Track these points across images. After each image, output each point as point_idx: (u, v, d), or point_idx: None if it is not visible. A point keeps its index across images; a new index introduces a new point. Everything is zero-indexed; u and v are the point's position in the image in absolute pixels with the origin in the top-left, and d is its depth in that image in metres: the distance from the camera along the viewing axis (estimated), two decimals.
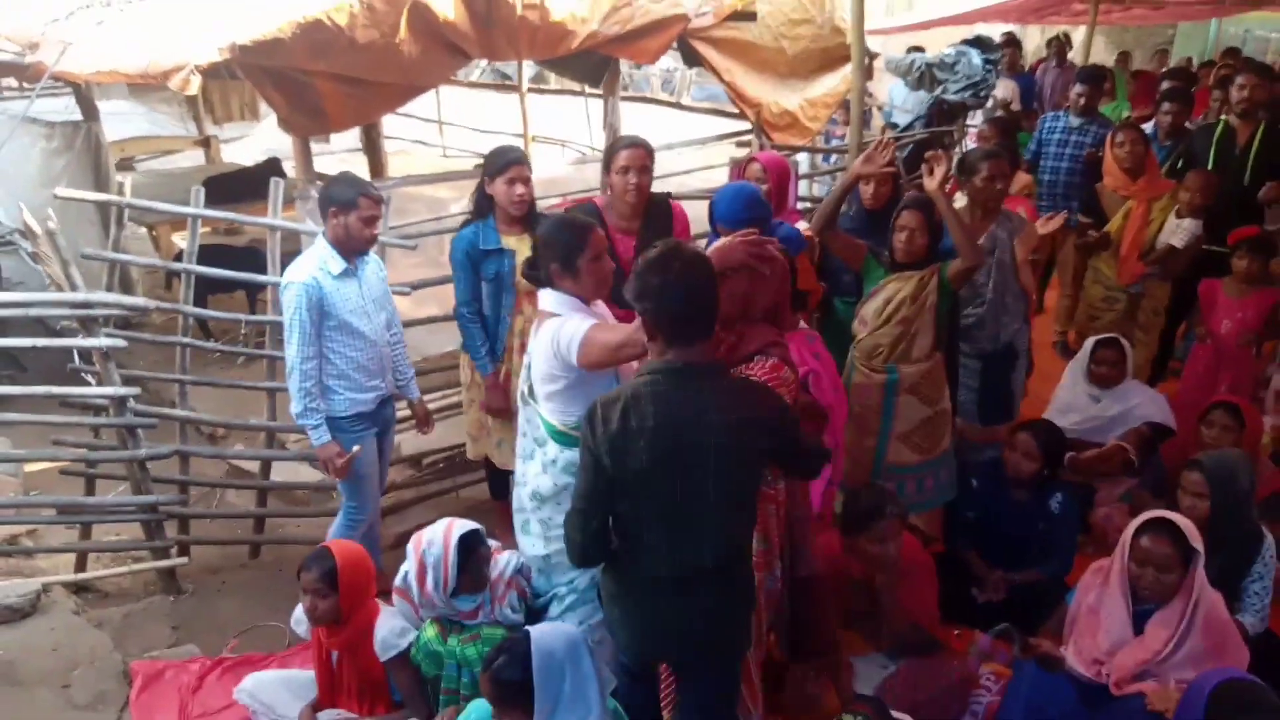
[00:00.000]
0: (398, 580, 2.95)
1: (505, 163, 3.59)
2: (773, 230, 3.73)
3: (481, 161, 3.79)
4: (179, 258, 4.18)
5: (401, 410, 4.04)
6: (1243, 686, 2.41)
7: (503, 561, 3.08)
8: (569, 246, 2.75)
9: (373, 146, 7.30)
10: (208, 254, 4.37)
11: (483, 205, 3.68)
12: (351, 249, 3.38)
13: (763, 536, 2.72)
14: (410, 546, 2.96)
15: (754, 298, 2.65)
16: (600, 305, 2.90)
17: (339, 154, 9.11)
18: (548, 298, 2.79)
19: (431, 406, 4.67)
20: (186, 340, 4.11)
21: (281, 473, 4.65)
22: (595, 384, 2.71)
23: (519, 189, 3.59)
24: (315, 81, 4.10)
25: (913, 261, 3.58)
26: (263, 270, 4.27)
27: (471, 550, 2.91)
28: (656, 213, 3.70)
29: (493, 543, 3.08)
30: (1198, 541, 2.74)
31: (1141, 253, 4.96)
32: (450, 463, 4.88)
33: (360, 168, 7.99)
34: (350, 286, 3.41)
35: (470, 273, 3.67)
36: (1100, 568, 2.99)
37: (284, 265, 4.21)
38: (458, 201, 5.22)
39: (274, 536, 4.55)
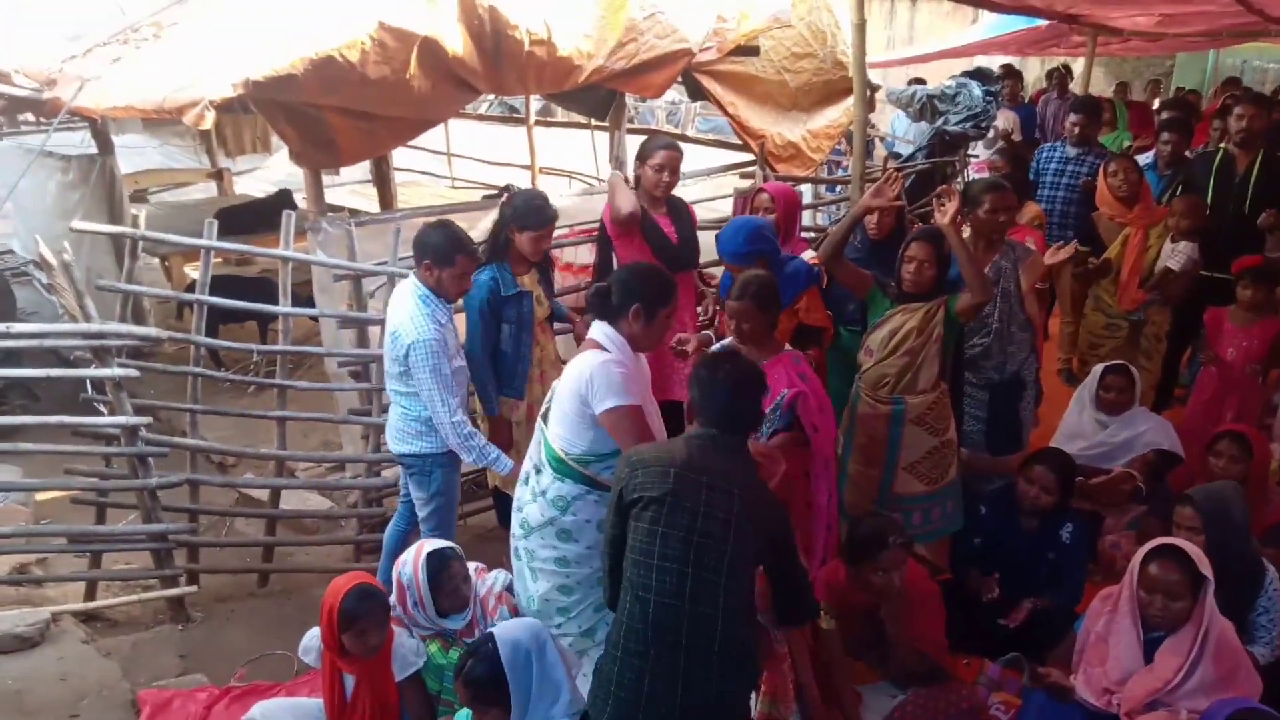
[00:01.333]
0: (402, 640, 2.97)
1: (544, 221, 3.68)
2: (781, 263, 3.76)
3: (492, 193, 3.83)
4: (191, 288, 4.22)
5: None
6: (1258, 717, 2.37)
7: (490, 579, 3.15)
8: (659, 297, 2.79)
9: (382, 178, 7.30)
10: (219, 284, 4.40)
11: (500, 249, 3.73)
12: (445, 297, 3.39)
13: (771, 700, 2.76)
14: (394, 571, 3.05)
15: None
16: (643, 358, 2.92)
17: (350, 185, 9.17)
18: (600, 331, 2.80)
19: None
20: (198, 370, 4.12)
21: (291, 501, 4.65)
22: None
23: (546, 244, 3.74)
24: (327, 115, 4.15)
25: (920, 293, 3.58)
26: (273, 301, 4.30)
27: (440, 568, 2.97)
28: (677, 205, 4.23)
29: (474, 564, 3.14)
30: (1207, 568, 2.71)
31: (1141, 279, 4.96)
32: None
33: (370, 200, 8.06)
34: (450, 332, 3.41)
35: (490, 320, 3.68)
36: (1109, 595, 2.96)
37: (295, 296, 4.26)
38: (467, 232, 5.24)
39: (283, 565, 4.54)
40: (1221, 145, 5.68)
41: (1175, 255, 4.84)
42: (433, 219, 3.46)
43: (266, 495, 4.54)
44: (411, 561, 3.00)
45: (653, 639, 2.34)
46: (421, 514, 3.59)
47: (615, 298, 2.77)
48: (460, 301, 3.63)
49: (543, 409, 2.95)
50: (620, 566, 2.45)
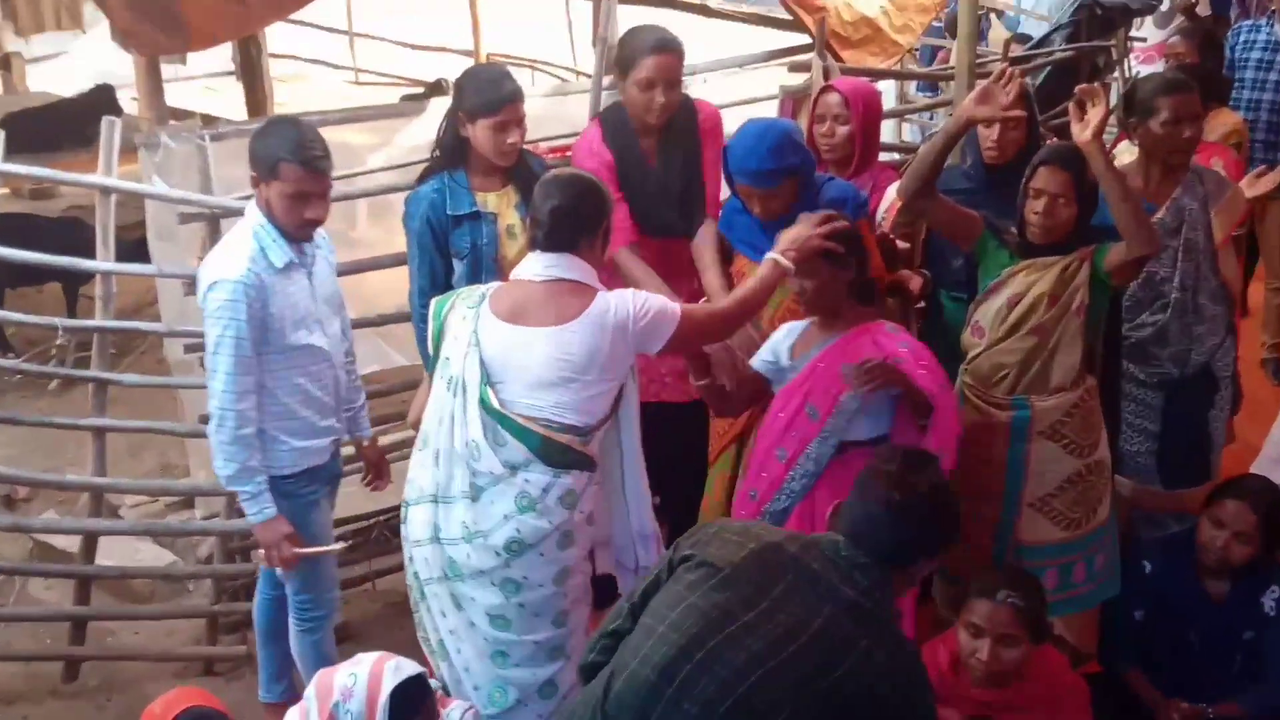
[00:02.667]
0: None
1: (495, 100, 3.65)
2: (816, 186, 3.78)
3: (416, 91, 3.84)
4: None
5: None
6: None
7: (453, 712, 3.09)
8: (602, 212, 3.17)
9: (252, 70, 7.33)
10: (6, 227, 4.38)
11: (454, 152, 3.76)
12: (285, 229, 3.41)
13: None
14: (314, 692, 2.91)
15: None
16: None
17: (202, 80, 9.16)
18: (565, 265, 3.09)
19: None
20: None
21: (113, 554, 4.64)
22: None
23: (512, 136, 3.69)
24: None
25: (1053, 242, 3.58)
26: (87, 252, 4.27)
27: (413, 710, 2.87)
28: (682, 125, 4.05)
29: (435, 682, 3.09)
30: None
31: None
32: (365, 538, 4.87)
33: (234, 100, 8.05)
34: (298, 285, 3.44)
35: (433, 247, 3.73)
36: None
37: (121, 246, 4.24)
38: (376, 150, 5.23)
39: (101, 650, 4.53)
40: None
41: None
42: (290, 118, 3.50)
43: (76, 544, 4.51)
44: (364, 697, 2.84)
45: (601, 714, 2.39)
46: (280, 572, 3.63)
47: (568, 226, 3.11)
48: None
49: (472, 391, 3.07)
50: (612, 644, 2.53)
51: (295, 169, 3.31)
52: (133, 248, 4.81)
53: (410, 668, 2.91)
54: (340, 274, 4.47)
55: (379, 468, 4.03)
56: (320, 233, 3.60)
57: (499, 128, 3.65)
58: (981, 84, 3.59)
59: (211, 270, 3.35)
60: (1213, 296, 4.18)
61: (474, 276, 3.73)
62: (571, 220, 3.10)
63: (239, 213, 4.24)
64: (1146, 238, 3.44)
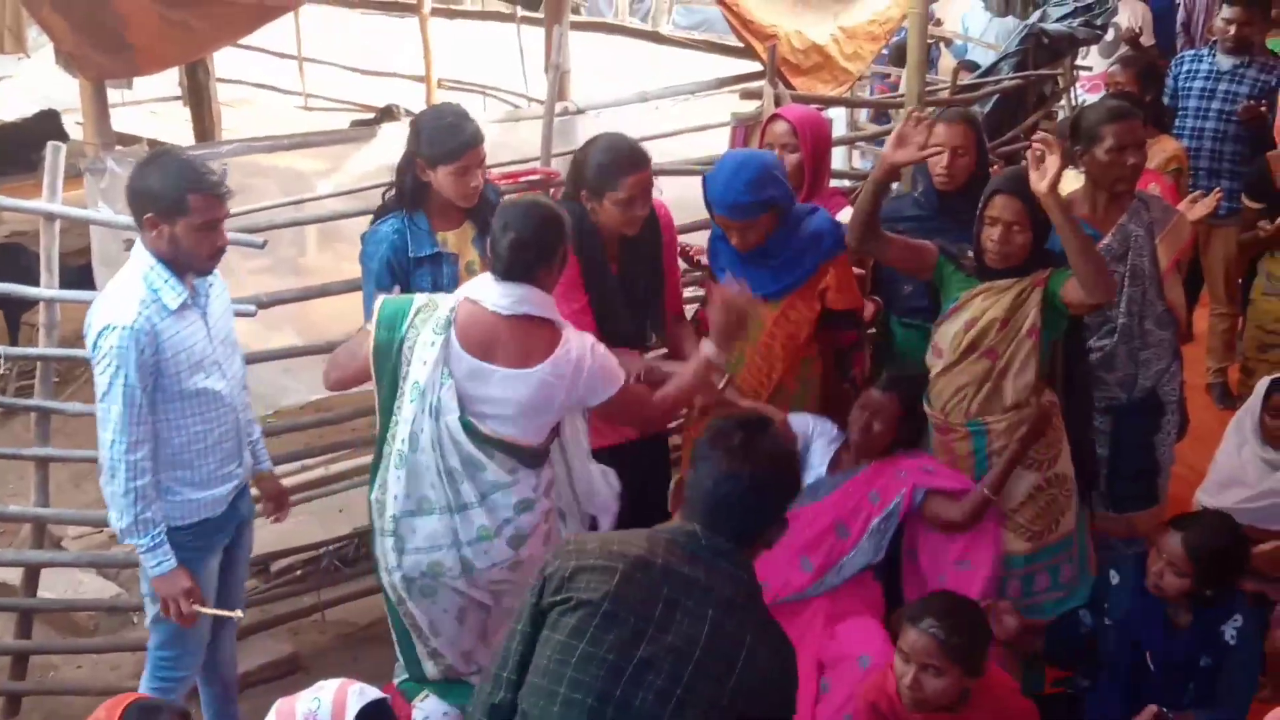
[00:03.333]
0: None
1: (456, 148, 3.66)
2: (797, 218, 3.80)
3: (367, 117, 3.84)
4: None
5: None
6: None
7: None
8: (560, 241, 3.28)
9: (199, 95, 7.31)
10: None
11: (414, 194, 3.76)
12: (188, 268, 3.31)
13: None
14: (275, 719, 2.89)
15: None
16: None
17: (148, 104, 9.10)
18: (523, 298, 3.21)
19: (287, 484, 4.65)
20: None
21: (54, 585, 4.59)
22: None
23: (474, 180, 3.72)
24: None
25: (1010, 267, 3.65)
26: (30, 279, 4.24)
27: None
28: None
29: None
30: None
31: None
32: (315, 568, 4.84)
33: (181, 125, 8.00)
34: (193, 326, 3.33)
35: (392, 286, 3.69)
36: None
37: (65, 272, 4.20)
38: (325, 176, 5.21)
39: (43, 684, 4.50)
40: None
41: None
42: (166, 150, 3.39)
43: (18, 577, 4.46)
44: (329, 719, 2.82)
45: None
46: (147, 617, 3.52)
47: (532, 255, 3.21)
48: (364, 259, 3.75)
49: (446, 419, 3.24)
50: (498, 713, 2.49)
51: (203, 199, 3.20)
52: (77, 274, 4.76)
53: (373, 692, 2.89)
54: (289, 301, 4.49)
55: (278, 500, 3.91)
56: (214, 273, 3.49)
57: (461, 172, 3.68)
58: (899, 129, 3.64)
59: (101, 316, 3.20)
60: (1159, 322, 4.25)
61: None
62: (532, 252, 3.20)
63: None
64: (1105, 288, 3.55)
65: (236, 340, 3.63)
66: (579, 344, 3.27)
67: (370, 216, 3.98)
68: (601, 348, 3.33)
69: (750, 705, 2.38)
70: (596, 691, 2.32)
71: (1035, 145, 3.46)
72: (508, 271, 3.20)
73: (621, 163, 3.74)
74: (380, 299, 3.40)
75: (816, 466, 3.85)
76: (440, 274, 3.76)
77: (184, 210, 3.18)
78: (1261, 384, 4.48)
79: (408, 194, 3.77)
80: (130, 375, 3.16)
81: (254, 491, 3.83)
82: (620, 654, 2.34)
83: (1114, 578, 3.77)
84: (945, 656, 3.11)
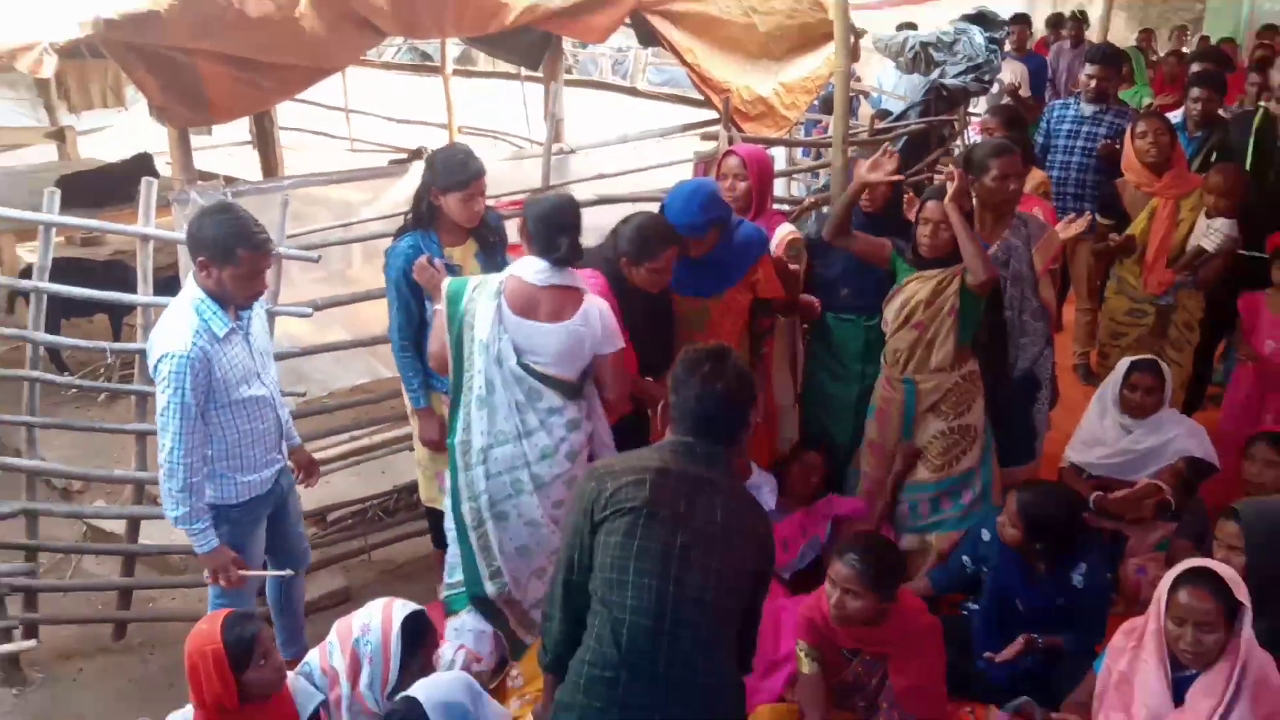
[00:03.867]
0: (294, 676, 2.93)
1: (466, 178, 3.70)
2: (731, 231, 3.84)
3: (401, 157, 3.84)
4: (26, 274, 4.12)
5: None
6: None
7: (448, 657, 3.21)
8: (653, 247, 3.57)
9: (265, 139, 7.27)
10: (62, 268, 4.31)
11: (426, 216, 3.78)
12: (231, 303, 3.26)
13: None
14: (335, 635, 2.97)
15: None
16: None
17: (224, 148, 9.04)
18: (562, 275, 3.40)
19: (339, 450, 4.64)
20: (35, 374, 4.04)
21: (152, 534, 4.57)
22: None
23: (478, 205, 3.76)
24: (196, 62, 4.07)
25: (939, 257, 3.86)
26: (129, 288, 4.22)
27: (419, 637, 2.93)
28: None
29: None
30: (1244, 594, 2.80)
31: (1170, 258, 5.09)
32: (361, 518, 4.84)
33: (250, 164, 7.96)
34: (238, 347, 3.29)
35: (409, 293, 3.75)
36: (1133, 629, 3.04)
37: (158, 284, 4.19)
38: (368, 204, 5.20)
39: (144, 613, 4.48)
40: (1261, 104, 5.86)
41: (1210, 234, 4.96)
42: (226, 204, 3.29)
43: (122, 527, 4.46)
44: (379, 628, 2.91)
45: (625, 667, 2.42)
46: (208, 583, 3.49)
47: (579, 244, 3.41)
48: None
49: (508, 362, 3.43)
50: (572, 593, 2.59)
51: (250, 254, 3.17)
52: (166, 285, 4.74)
53: (412, 605, 3.00)
54: (339, 304, 4.49)
55: (309, 468, 3.85)
56: None
57: (467, 199, 3.71)
58: (874, 158, 3.89)
59: (160, 344, 3.16)
60: (1034, 315, 4.30)
61: None
62: (579, 243, 3.43)
63: None
64: (983, 267, 3.76)
65: (271, 349, 3.61)
66: (598, 304, 3.45)
67: None
68: (609, 310, 3.48)
69: (756, 559, 2.57)
70: (657, 573, 2.45)
71: (944, 173, 3.84)
72: (560, 260, 3.41)
73: (650, 240, 3.65)
74: (446, 281, 3.52)
75: (767, 504, 4.06)
76: None
77: (233, 261, 3.15)
78: (1122, 364, 4.52)
79: (424, 216, 3.79)
80: (186, 395, 3.12)
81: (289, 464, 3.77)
82: (665, 543, 2.47)
83: (984, 535, 3.83)
84: (862, 583, 3.15)
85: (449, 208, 3.74)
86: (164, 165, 6.99)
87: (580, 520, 2.58)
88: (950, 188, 3.76)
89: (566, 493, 3.50)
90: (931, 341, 3.88)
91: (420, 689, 2.63)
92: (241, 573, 3.36)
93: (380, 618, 2.94)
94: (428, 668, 2.99)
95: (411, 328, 3.83)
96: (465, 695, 2.63)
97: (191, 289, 3.23)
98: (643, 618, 2.43)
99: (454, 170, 3.71)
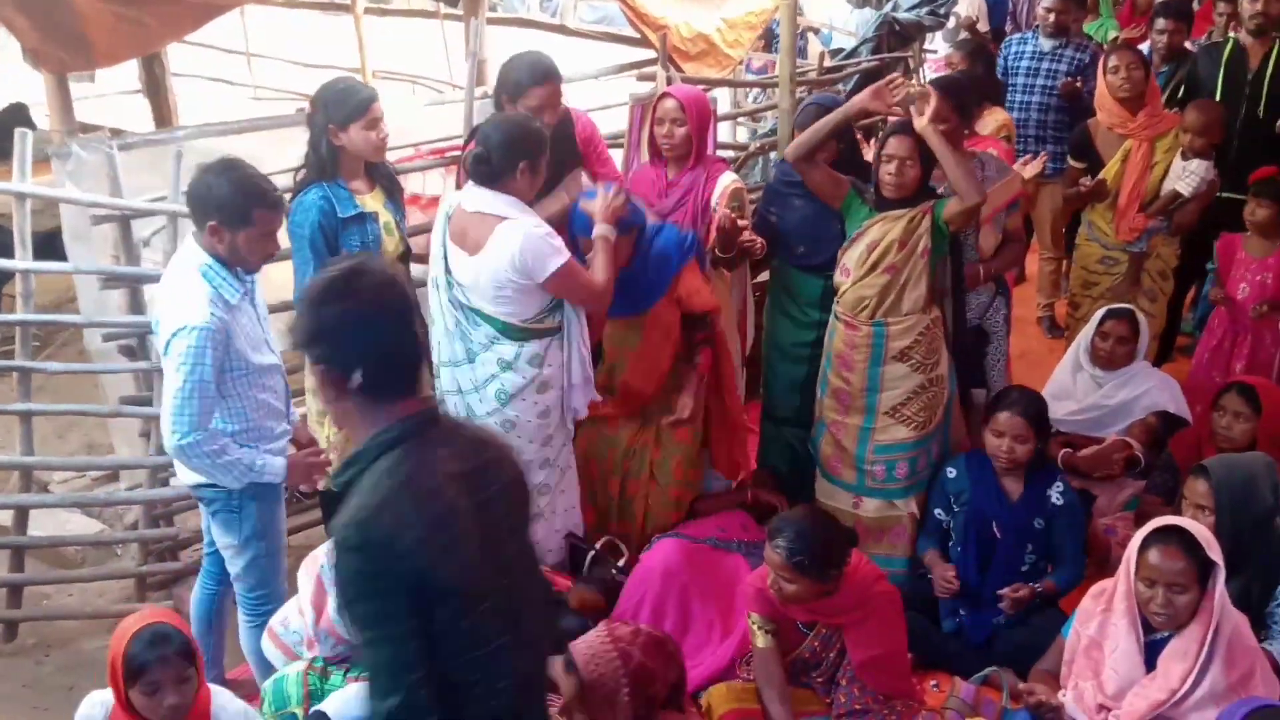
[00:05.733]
0: (275, 621, 3.14)
1: (360, 104, 3.65)
2: (649, 237, 3.90)
3: (306, 107, 3.77)
4: None
5: None
6: (1276, 715, 2.55)
7: None
8: (539, 146, 3.55)
9: (156, 87, 7.14)
10: None
11: (328, 161, 3.69)
12: (240, 267, 3.21)
13: None
14: (303, 572, 3.13)
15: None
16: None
17: (110, 97, 8.84)
18: (494, 199, 3.49)
19: None
20: None
21: (44, 525, 4.53)
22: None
23: (381, 132, 3.72)
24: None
25: (903, 197, 3.83)
26: (7, 253, 4.15)
27: None
28: (560, 134, 4.13)
29: None
30: (1217, 552, 2.87)
31: (1144, 202, 5.16)
32: None
33: (141, 115, 7.78)
34: (248, 313, 3.26)
35: (324, 249, 3.65)
36: (1102, 591, 3.11)
37: (38, 247, 4.09)
38: (274, 157, 5.11)
39: (36, 611, 4.43)
40: (1230, 34, 5.95)
41: (1186, 176, 5.01)
42: (231, 163, 3.18)
43: (10, 518, 4.40)
44: None
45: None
46: (234, 567, 3.45)
47: (496, 159, 3.47)
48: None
49: (444, 294, 3.62)
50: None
51: (267, 213, 3.14)
52: (49, 249, 4.64)
53: None
54: None
55: (312, 442, 3.71)
56: None
57: (369, 126, 3.65)
58: (876, 85, 3.86)
59: (175, 317, 3.09)
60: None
61: None
62: (486, 165, 3.49)
63: (149, 213, 4.14)
64: (975, 190, 3.77)
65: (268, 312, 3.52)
66: (513, 229, 3.44)
67: None
68: (543, 230, 3.49)
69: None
70: (502, 572, 2.05)
71: (915, 94, 3.73)
72: (471, 178, 3.53)
73: (526, 76, 3.99)
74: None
75: None
76: (365, 233, 3.72)
77: (249, 222, 3.10)
78: (1097, 314, 4.58)
79: (324, 162, 3.68)
80: (206, 371, 3.06)
81: None
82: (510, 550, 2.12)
83: (950, 472, 3.93)
84: (792, 570, 3.18)
85: (352, 142, 3.66)
86: (41, 116, 6.81)
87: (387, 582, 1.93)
88: (925, 106, 3.70)
89: (505, 436, 3.51)
90: (904, 285, 3.87)
91: (332, 704, 2.64)
92: (319, 460, 3.44)
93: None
94: None
95: None
96: None
97: (194, 254, 3.16)
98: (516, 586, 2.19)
99: (346, 99, 3.65)
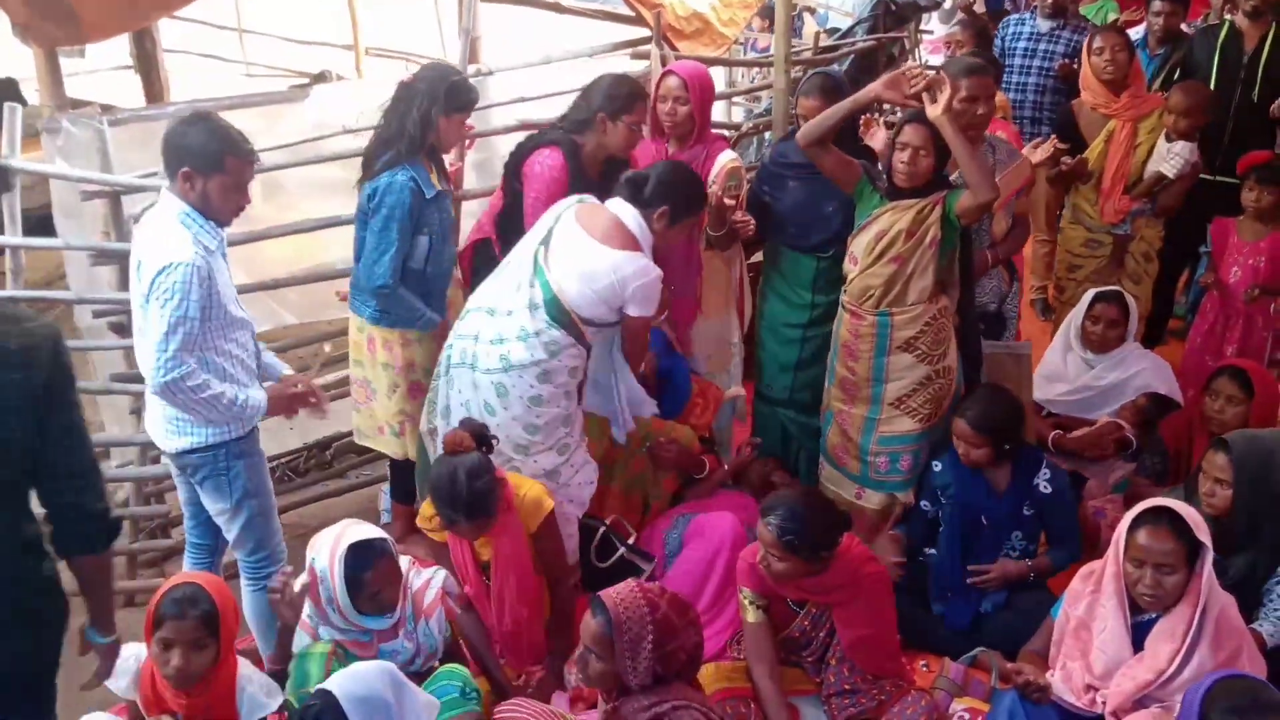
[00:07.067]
0: (252, 675, 3.03)
1: (468, 101, 3.87)
2: (667, 373, 4.17)
3: (301, 81, 3.78)
4: None
5: None
6: (1242, 683, 2.57)
7: (429, 574, 3.34)
8: (698, 204, 3.78)
9: (147, 63, 7.05)
10: None
11: (421, 140, 3.80)
12: (213, 218, 3.22)
13: None
14: (308, 551, 3.13)
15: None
16: None
17: (101, 73, 8.78)
18: (632, 217, 3.58)
19: None
20: None
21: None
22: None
23: (470, 128, 4.02)
24: None
25: (915, 187, 3.80)
26: None
27: (360, 567, 3.05)
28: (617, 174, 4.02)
29: (405, 560, 3.30)
30: (1204, 534, 2.89)
31: (1128, 184, 5.17)
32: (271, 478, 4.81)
33: (132, 90, 7.73)
34: (221, 265, 3.27)
35: (410, 227, 3.80)
36: (1091, 573, 3.13)
37: (27, 221, 4.07)
38: (265, 133, 5.08)
39: None
40: (1226, 17, 5.94)
41: (1170, 158, 5.04)
42: (205, 113, 3.25)
43: None
44: (327, 552, 3.06)
45: None
46: (231, 533, 3.46)
47: (649, 191, 3.59)
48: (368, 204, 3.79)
49: (536, 247, 3.63)
50: None
51: (238, 162, 3.16)
52: (39, 225, 4.62)
53: (369, 534, 3.12)
54: (236, 243, 4.38)
55: (315, 393, 3.66)
56: None
57: (463, 121, 3.92)
58: (893, 73, 3.78)
59: (159, 255, 3.09)
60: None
61: (440, 246, 3.93)
62: (652, 188, 3.61)
63: (139, 189, 4.12)
64: (989, 187, 3.70)
65: None
66: (642, 262, 3.55)
67: (306, 167, 4.20)
68: (659, 281, 3.61)
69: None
70: None
71: (930, 81, 3.64)
72: (618, 193, 3.64)
73: (637, 93, 4.07)
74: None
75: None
76: (443, 211, 3.93)
77: (220, 169, 3.13)
78: (1086, 296, 4.59)
79: (416, 144, 3.79)
80: (191, 307, 3.08)
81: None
82: None
83: (936, 466, 3.92)
84: (782, 548, 3.19)
85: (447, 131, 3.85)
86: (32, 92, 6.77)
87: None
88: (940, 95, 3.61)
89: (480, 394, 3.65)
90: (911, 275, 3.82)
91: (338, 681, 2.62)
92: (309, 391, 3.45)
93: (329, 543, 3.08)
94: (382, 594, 3.10)
95: (396, 270, 3.83)
96: (386, 687, 2.61)
97: (171, 203, 3.17)
98: None
99: (461, 91, 3.84)
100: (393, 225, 3.75)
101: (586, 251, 3.55)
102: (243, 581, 3.55)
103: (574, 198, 3.73)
